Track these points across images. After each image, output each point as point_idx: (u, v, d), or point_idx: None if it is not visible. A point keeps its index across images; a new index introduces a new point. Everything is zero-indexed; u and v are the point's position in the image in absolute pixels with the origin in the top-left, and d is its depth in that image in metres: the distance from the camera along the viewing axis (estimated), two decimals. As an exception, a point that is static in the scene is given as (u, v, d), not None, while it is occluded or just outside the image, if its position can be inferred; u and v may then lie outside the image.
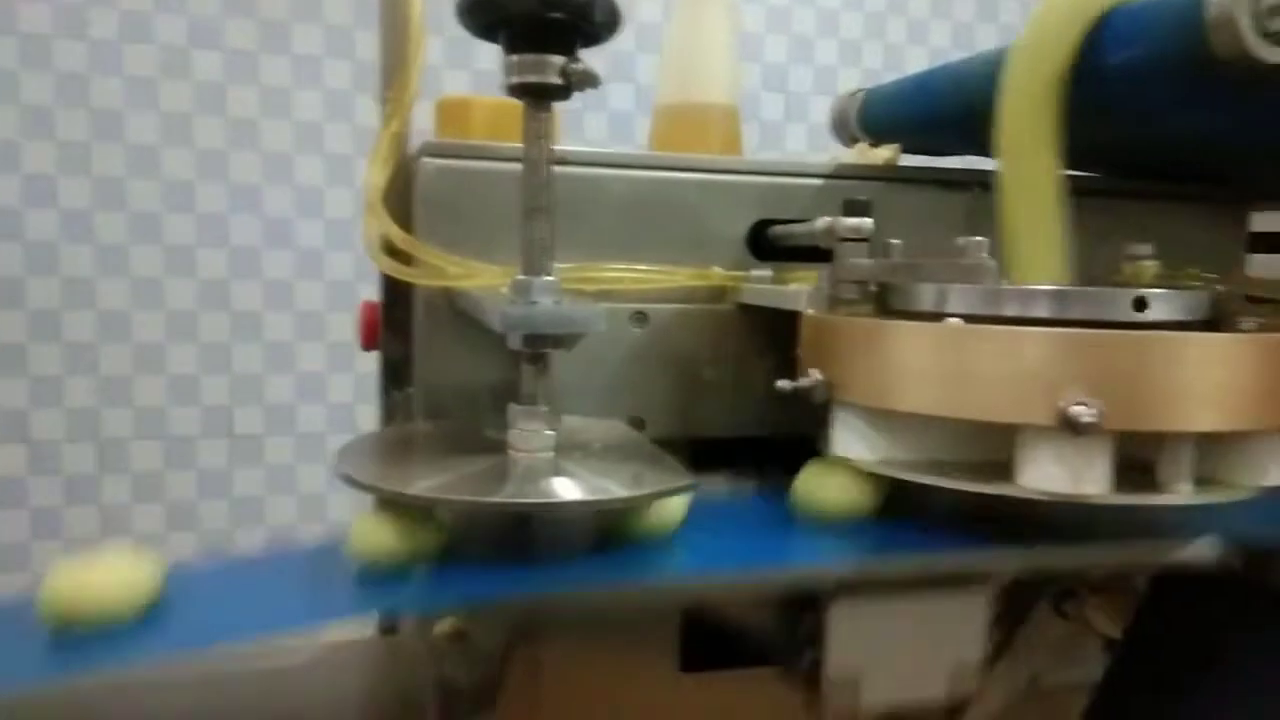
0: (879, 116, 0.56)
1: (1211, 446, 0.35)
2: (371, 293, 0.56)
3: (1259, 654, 0.43)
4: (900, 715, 0.55)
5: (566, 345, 0.37)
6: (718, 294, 0.51)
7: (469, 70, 1.33)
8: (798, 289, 0.45)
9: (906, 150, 0.55)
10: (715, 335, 0.51)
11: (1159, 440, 0.34)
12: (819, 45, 1.60)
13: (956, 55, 0.49)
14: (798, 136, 1.56)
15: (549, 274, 0.37)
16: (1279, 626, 0.42)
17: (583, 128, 1.46)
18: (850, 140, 0.58)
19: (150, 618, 0.33)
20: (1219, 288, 0.39)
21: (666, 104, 0.59)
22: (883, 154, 0.53)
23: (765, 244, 0.52)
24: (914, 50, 1.62)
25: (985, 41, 1.64)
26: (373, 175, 0.47)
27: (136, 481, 1.41)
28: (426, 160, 0.47)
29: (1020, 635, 0.56)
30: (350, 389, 1.46)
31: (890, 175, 0.53)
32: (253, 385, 1.43)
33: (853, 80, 1.54)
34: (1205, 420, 0.33)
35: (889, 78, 0.59)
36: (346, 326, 1.44)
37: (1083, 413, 0.31)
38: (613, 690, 0.53)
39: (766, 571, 0.38)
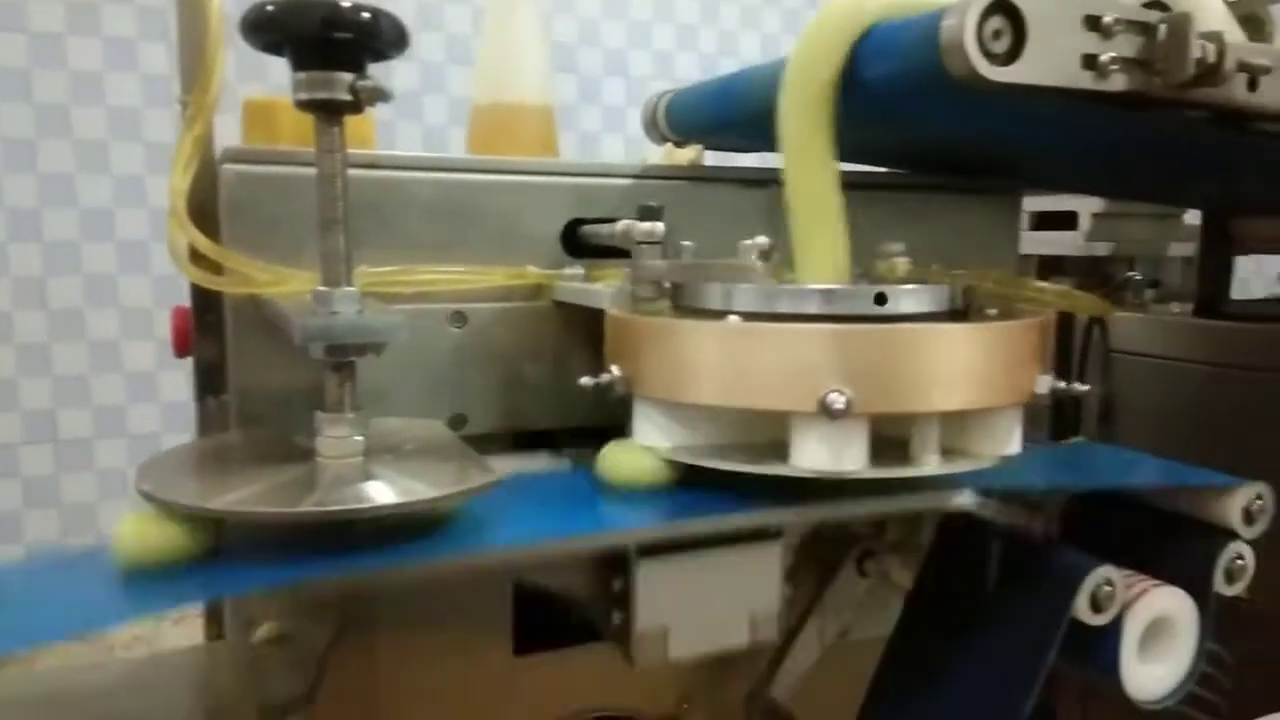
0: (682, 118, 0.59)
1: (956, 422, 0.39)
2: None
3: (1018, 592, 0.49)
4: (727, 671, 0.59)
5: (370, 352, 0.38)
6: (534, 292, 0.53)
7: (267, 84, 1.30)
8: (603, 288, 0.48)
9: (710, 149, 0.58)
10: (533, 332, 0.53)
11: (910, 420, 0.38)
12: (632, 56, 1.63)
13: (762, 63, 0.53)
14: (615, 146, 1.60)
15: (348, 284, 0.38)
16: (1034, 568, 0.48)
17: (395, 140, 1.45)
18: (661, 140, 0.61)
19: None
20: (968, 281, 0.44)
21: (481, 105, 0.60)
22: (687, 154, 0.56)
23: (578, 242, 0.54)
24: (726, 61, 1.68)
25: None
26: (175, 180, 0.46)
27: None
28: (229, 167, 0.47)
29: (828, 594, 0.61)
30: (185, 387, 1.40)
31: (693, 175, 0.56)
32: (77, 387, 1.36)
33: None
34: (946, 401, 0.37)
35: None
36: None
37: (837, 399, 0.35)
38: (450, 678, 0.55)
39: (570, 540, 0.40)
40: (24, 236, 1.32)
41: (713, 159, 0.65)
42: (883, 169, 0.63)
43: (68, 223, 1.34)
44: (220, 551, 0.36)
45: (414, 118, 1.50)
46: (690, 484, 0.43)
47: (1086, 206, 0.97)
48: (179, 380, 1.41)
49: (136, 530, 0.34)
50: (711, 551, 0.45)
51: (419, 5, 1.41)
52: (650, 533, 0.42)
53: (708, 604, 0.45)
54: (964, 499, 0.45)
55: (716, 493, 0.42)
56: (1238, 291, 0.89)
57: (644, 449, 0.42)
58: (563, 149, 0.62)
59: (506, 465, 0.42)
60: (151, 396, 1.41)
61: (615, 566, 0.46)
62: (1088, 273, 1.00)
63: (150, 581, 0.34)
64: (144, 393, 1.40)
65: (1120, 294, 0.92)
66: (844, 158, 0.46)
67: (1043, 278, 0.99)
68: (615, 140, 1.60)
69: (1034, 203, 0.99)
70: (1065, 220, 0.98)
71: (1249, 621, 0.74)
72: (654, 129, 0.61)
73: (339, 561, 0.35)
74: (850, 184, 0.59)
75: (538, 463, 0.51)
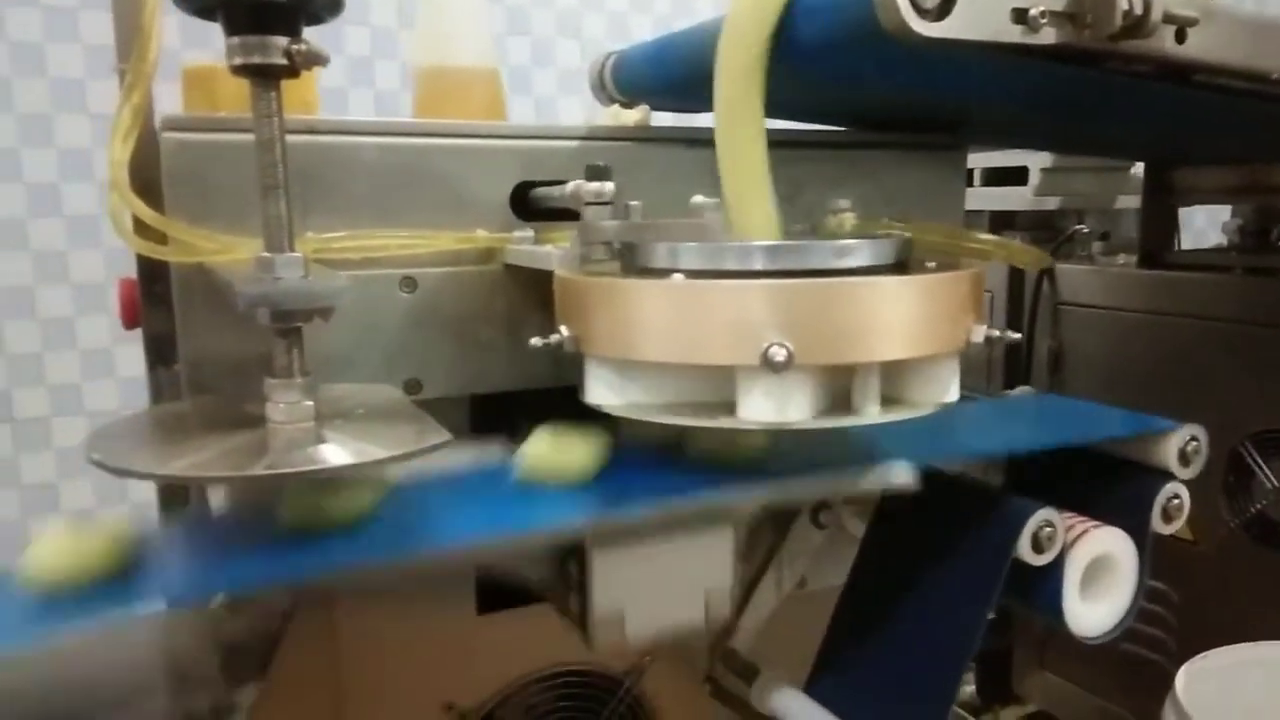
0: (628, 79, 0.59)
1: (896, 373, 0.40)
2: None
3: (965, 536, 0.51)
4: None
5: (318, 317, 0.39)
6: (485, 255, 0.53)
7: (211, 50, 1.27)
8: (552, 250, 0.48)
9: (656, 109, 0.58)
10: (485, 295, 0.53)
11: (851, 371, 0.39)
12: (586, 18, 1.61)
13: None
14: (571, 109, 1.58)
15: (291, 249, 0.38)
16: (979, 512, 0.50)
17: (348, 106, 1.42)
18: (608, 101, 0.61)
19: None
20: (906, 235, 0.44)
21: (425, 69, 0.59)
22: (634, 115, 0.56)
23: (527, 205, 0.54)
24: (680, 22, 1.66)
25: None
26: (114, 150, 0.46)
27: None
28: (168, 135, 0.46)
29: (784, 546, 0.62)
30: (141, 362, 1.39)
31: (638, 136, 0.56)
32: (31, 365, 1.34)
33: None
34: (884, 350, 0.38)
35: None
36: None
37: (778, 352, 0.36)
38: (413, 638, 0.55)
39: (520, 534, 0.40)
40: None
41: (668, 120, 0.65)
42: (829, 127, 0.64)
43: (14, 198, 1.32)
44: (136, 566, 0.35)
45: (366, 84, 1.48)
46: (633, 465, 0.43)
47: (1036, 161, 0.98)
48: (135, 355, 1.39)
49: (49, 551, 0.34)
50: (665, 536, 0.46)
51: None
52: (596, 523, 0.43)
53: (663, 586, 0.46)
54: (901, 476, 0.46)
55: (661, 473, 0.43)
56: (1193, 242, 0.92)
57: (572, 441, 0.43)
58: (517, 113, 0.62)
59: (464, 456, 0.42)
60: (108, 372, 1.39)
61: (570, 553, 0.46)
62: (1038, 227, 1.02)
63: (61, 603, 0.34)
64: (100, 369, 1.38)
65: (1068, 247, 0.94)
66: (789, 116, 0.46)
67: (994, 233, 1.01)
68: (571, 103, 1.58)
69: (984, 158, 1.01)
70: (1016, 175, 1.00)
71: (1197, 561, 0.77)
72: (601, 90, 0.61)
73: (255, 565, 0.35)
74: (797, 142, 0.60)
75: (493, 452, 0.51)
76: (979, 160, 1.00)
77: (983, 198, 1.01)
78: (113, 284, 1.36)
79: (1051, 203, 1.00)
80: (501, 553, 0.42)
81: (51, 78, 1.30)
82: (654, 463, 0.43)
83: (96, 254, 1.35)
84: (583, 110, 1.59)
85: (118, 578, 0.35)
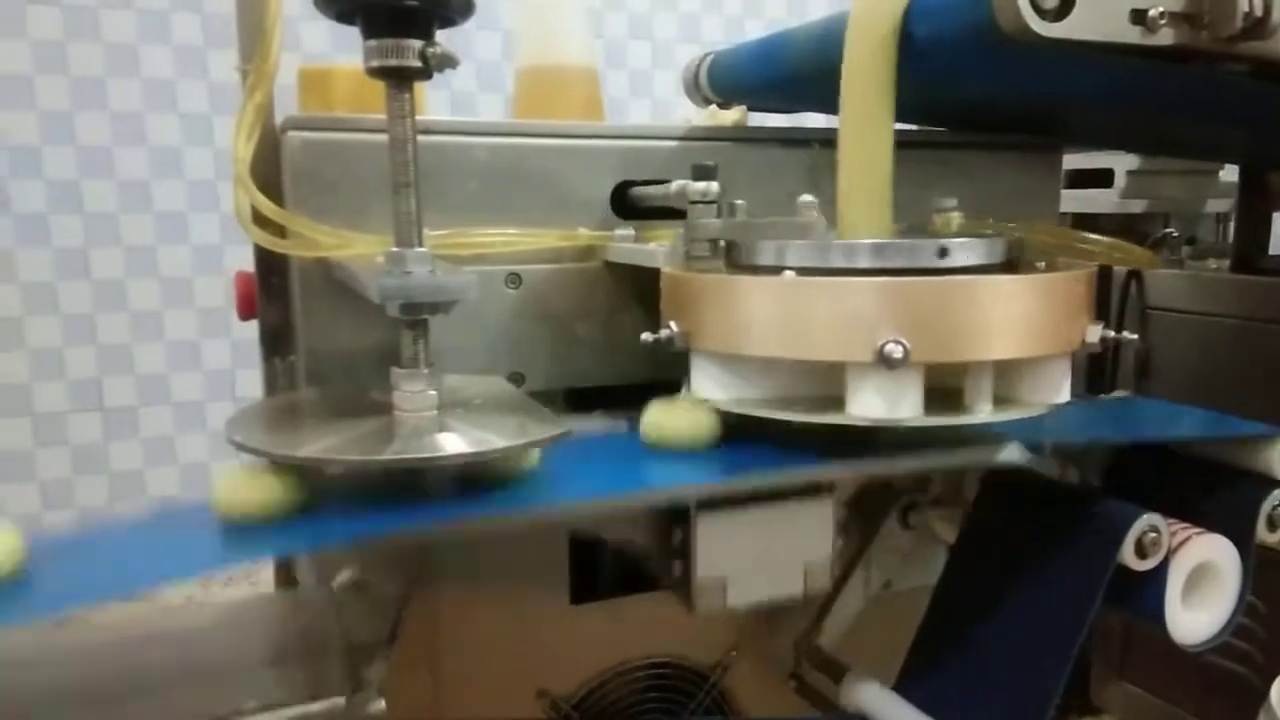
0: (724, 80, 0.59)
1: (1008, 372, 0.41)
2: (241, 256, 0.57)
3: (1063, 541, 0.50)
4: (775, 620, 0.61)
5: (442, 310, 0.40)
6: (586, 253, 0.55)
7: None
8: (656, 247, 0.49)
9: (752, 109, 0.59)
10: (585, 292, 0.55)
11: (963, 369, 0.40)
12: (657, 19, 1.62)
13: (790, 23, 0.53)
14: (642, 110, 1.59)
15: (420, 245, 0.39)
16: (1079, 517, 0.49)
17: (423, 107, 1.46)
18: (704, 102, 0.61)
19: (12, 586, 0.34)
20: (1016, 234, 0.45)
21: (525, 68, 0.61)
22: (731, 115, 0.57)
23: (627, 204, 0.55)
24: (751, 23, 1.67)
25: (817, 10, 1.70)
26: (238, 148, 0.47)
27: (4, 462, 1.36)
28: (293, 134, 0.48)
29: (872, 546, 0.62)
30: (227, 355, 1.43)
31: (736, 136, 0.57)
32: (121, 356, 1.39)
33: (692, 53, 1.60)
34: (998, 349, 0.38)
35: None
36: (216, 291, 1.41)
37: (894, 349, 0.36)
38: (509, 628, 0.57)
39: (631, 496, 0.42)
40: (65, 209, 1.34)
41: (762, 120, 0.65)
42: (925, 127, 0.64)
43: (106, 195, 1.37)
44: (312, 507, 0.37)
45: (441, 85, 1.50)
46: (741, 439, 0.44)
47: (1122, 164, 0.96)
48: (221, 348, 1.44)
49: (233, 485, 0.36)
50: (767, 505, 0.46)
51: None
52: (709, 488, 0.44)
53: (764, 555, 0.47)
54: (1011, 453, 0.46)
55: (769, 447, 0.44)
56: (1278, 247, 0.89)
57: (688, 408, 0.44)
58: (636, 115, 0.62)
59: (568, 426, 0.43)
60: (194, 365, 1.43)
61: (675, 519, 0.47)
62: (1123, 230, 1.00)
63: (249, 533, 0.36)
64: (186, 361, 1.43)
65: (1157, 250, 0.92)
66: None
67: (1078, 235, 0.99)
68: (642, 104, 1.60)
69: (1069, 160, 0.99)
70: (1101, 178, 0.98)
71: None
72: (696, 91, 0.62)
73: (420, 514, 0.37)
74: (896, 142, 0.60)
75: (595, 424, 0.53)
76: (1064, 161, 0.99)
77: (1068, 200, 0.99)
78: (199, 278, 1.42)
79: (1137, 206, 0.98)
80: (614, 514, 0.44)
81: (144, 78, 1.35)
82: (762, 435, 0.44)
83: (184, 249, 1.40)
84: (652, 109, 1.61)
85: (298, 516, 0.37)
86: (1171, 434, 0.52)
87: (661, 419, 0.44)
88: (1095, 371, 0.86)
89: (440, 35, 0.39)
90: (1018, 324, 0.38)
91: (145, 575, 0.35)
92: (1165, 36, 0.41)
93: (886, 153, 0.44)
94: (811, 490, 0.47)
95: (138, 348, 1.40)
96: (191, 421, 1.43)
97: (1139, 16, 0.41)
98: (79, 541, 0.38)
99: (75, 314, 1.37)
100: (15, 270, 1.33)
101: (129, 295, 1.39)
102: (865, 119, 0.45)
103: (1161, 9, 0.41)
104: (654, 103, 1.59)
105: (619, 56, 1.59)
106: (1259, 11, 0.41)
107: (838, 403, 0.40)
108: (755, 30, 1.65)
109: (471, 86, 1.47)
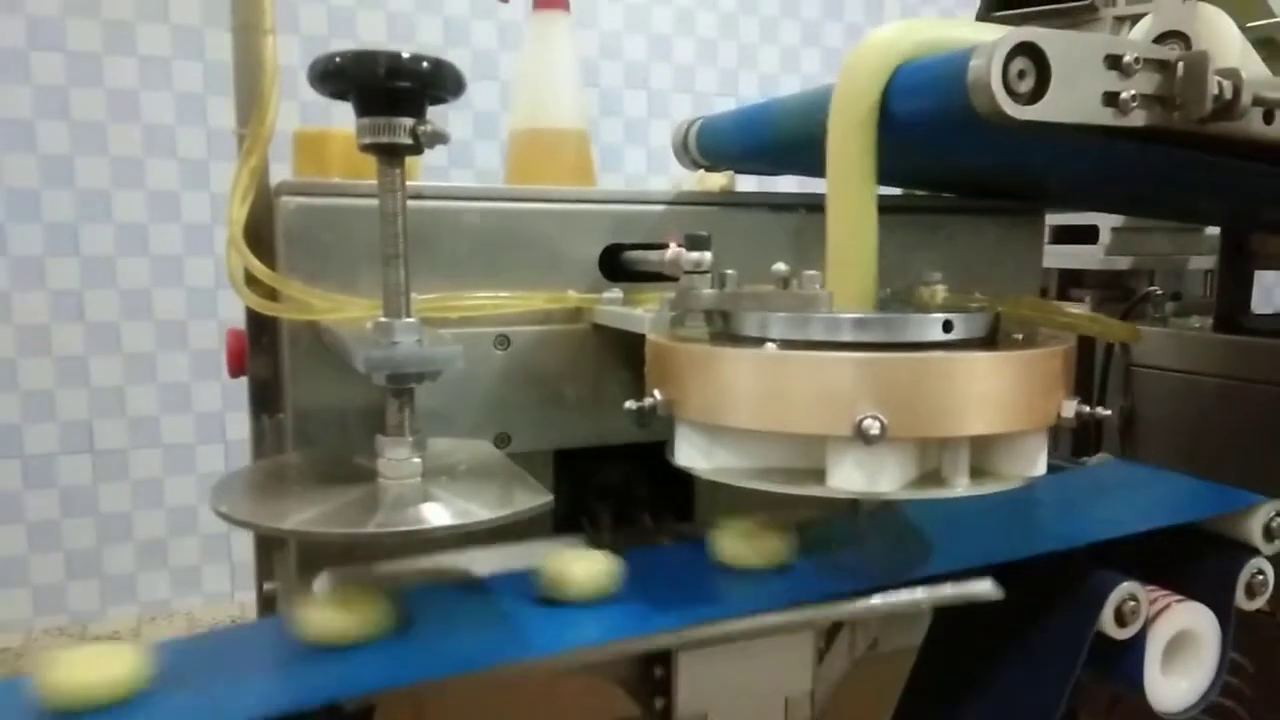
0: (712, 145, 0.61)
1: (985, 446, 0.41)
2: (235, 301, 0.57)
3: (1046, 607, 0.50)
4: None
5: (429, 379, 0.40)
6: (574, 315, 0.55)
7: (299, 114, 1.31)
8: (643, 312, 0.49)
9: (739, 172, 0.60)
10: (573, 354, 0.55)
11: (942, 444, 0.40)
12: (653, 69, 1.65)
13: (783, 77, 0.55)
14: (637, 158, 1.62)
15: (409, 315, 0.40)
16: (1061, 583, 0.50)
17: (421, 155, 1.48)
18: (692, 165, 0.63)
19: (135, 703, 0.34)
20: (997, 309, 0.45)
21: (519, 130, 0.62)
22: (719, 180, 0.58)
23: (617, 266, 0.56)
24: (745, 75, 1.70)
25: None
26: (233, 210, 0.48)
27: (-9, 504, 1.35)
28: (287, 199, 0.49)
29: (857, 607, 0.62)
30: (218, 398, 1.43)
31: (724, 200, 0.58)
32: (113, 398, 1.39)
33: (686, 103, 1.63)
34: (974, 425, 0.39)
35: (721, 102, 0.64)
36: (210, 335, 1.42)
37: (872, 425, 0.37)
38: (494, 684, 0.56)
39: (607, 645, 0.41)
40: (61, 250, 1.35)
41: (750, 184, 0.67)
42: (907, 191, 0.65)
43: (103, 237, 1.38)
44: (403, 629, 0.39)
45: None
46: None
47: (1107, 221, 0.98)
48: (212, 391, 1.44)
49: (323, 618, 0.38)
50: (749, 642, 0.46)
51: (445, 21, 1.43)
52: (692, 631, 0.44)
53: (745, 689, 0.46)
54: (985, 589, 0.46)
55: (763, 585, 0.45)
56: (1262, 303, 0.91)
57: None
58: (632, 164, 0.64)
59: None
60: (185, 407, 1.44)
61: (656, 656, 0.47)
62: (1108, 286, 1.02)
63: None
64: (177, 404, 1.43)
65: (1141, 308, 0.93)
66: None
67: (1063, 291, 1.00)
68: (638, 153, 1.62)
69: (1055, 217, 1.01)
70: (1086, 234, 1.00)
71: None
72: (684, 155, 0.63)
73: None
74: (880, 207, 0.61)
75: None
76: (1049, 218, 1.01)
77: (1052, 255, 1.01)
78: (193, 322, 1.42)
79: (1123, 262, 1.00)
80: (589, 662, 0.44)
81: (144, 124, 1.37)
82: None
83: (179, 293, 1.41)
84: (647, 158, 1.63)
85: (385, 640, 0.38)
86: (1153, 526, 0.52)
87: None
88: (1081, 430, 0.87)
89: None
90: (994, 401, 0.39)
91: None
92: (1137, 118, 0.43)
93: (870, 226, 0.45)
94: (793, 627, 0.47)
95: (130, 390, 1.40)
96: (181, 464, 1.43)
97: (1111, 99, 0.42)
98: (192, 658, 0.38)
99: (68, 355, 1.37)
100: (10, 312, 1.34)
101: (123, 338, 1.39)
102: (849, 196, 0.46)
103: (1133, 91, 0.42)
104: (649, 151, 1.62)
105: (615, 105, 1.61)
106: (1228, 94, 0.42)
107: (819, 475, 0.41)
108: (749, 82, 1.68)
109: (468, 135, 1.49)
